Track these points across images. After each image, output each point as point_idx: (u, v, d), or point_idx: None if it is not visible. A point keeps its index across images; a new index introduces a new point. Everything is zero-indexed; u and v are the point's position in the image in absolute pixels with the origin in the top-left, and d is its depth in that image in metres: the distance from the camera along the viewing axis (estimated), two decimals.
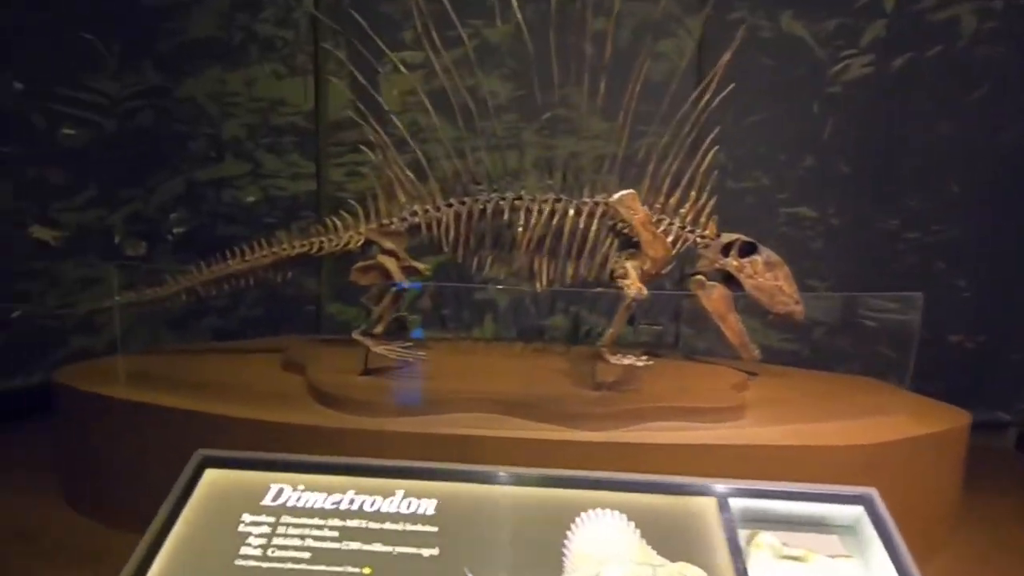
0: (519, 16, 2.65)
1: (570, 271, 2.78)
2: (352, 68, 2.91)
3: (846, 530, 1.72)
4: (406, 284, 2.66)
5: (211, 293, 2.92)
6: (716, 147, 2.75)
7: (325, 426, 2.25)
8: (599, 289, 2.80)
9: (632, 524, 1.64)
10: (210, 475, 1.76)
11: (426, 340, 2.97)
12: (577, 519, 1.64)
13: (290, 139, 4.06)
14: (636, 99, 2.68)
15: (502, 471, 1.74)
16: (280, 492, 1.70)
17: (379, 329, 2.60)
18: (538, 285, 2.81)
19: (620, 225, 2.70)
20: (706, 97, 2.69)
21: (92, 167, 3.94)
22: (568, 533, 1.62)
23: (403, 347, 2.59)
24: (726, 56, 2.69)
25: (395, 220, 2.81)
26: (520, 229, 2.76)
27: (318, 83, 3.96)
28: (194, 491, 1.71)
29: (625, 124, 2.72)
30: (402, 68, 2.81)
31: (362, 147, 2.88)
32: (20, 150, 3.74)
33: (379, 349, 2.56)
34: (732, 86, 2.67)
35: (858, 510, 1.70)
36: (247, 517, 1.65)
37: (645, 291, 2.43)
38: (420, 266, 2.78)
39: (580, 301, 3.51)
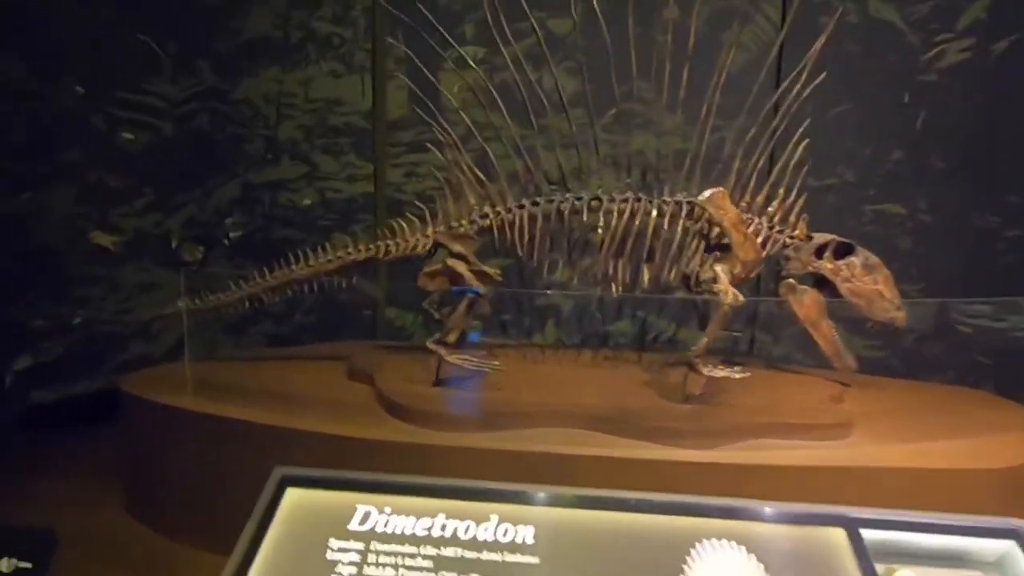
0: (595, 4, 2.51)
1: (648, 274, 2.62)
2: (418, 62, 2.80)
3: (989, 567, 1.53)
4: (481, 290, 2.53)
5: (274, 299, 2.84)
6: (806, 140, 2.57)
7: (403, 441, 2.13)
8: (679, 295, 2.64)
9: (753, 557, 1.48)
10: (291, 495, 1.65)
11: (492, 348, 2.85)
12: (692, 551, 1.49)
13: (346, 140, 3.97)
14: (719, 91, 2.52)
15: (605, 495, 1.59)
16: (367, 515, 1.58)
17: (452, 338, 2.48)
18: (614, 289, 2.66)
19: (705, 226, 2.53)
20: (797, 87, 2.51)
21: (149, 171, 3.92)
22: (684, 567, 1.46)
23: (478, 357, 2.47)
24: (820, 41, 2.51)
25: (464, 222, 2.68)
26: (599, 231, 2.61)
27: (375, 81, 3.87)
28: (276, 513, 1.61)
29: (708, 118, 2.56)
30: (471, 62, 2.70)
31: (430, 146, 2.76)
32: (81, 155, 3.73)
33: (453, 359, 2.43)
34: (824, 75, 2.50)
35: (1007, 544, 1.50)
36: (335, 543, 1.53)
37: (741, 297, 2.25)
38: (490, 270, 2.65)
39: (647, 306, 3.34)
